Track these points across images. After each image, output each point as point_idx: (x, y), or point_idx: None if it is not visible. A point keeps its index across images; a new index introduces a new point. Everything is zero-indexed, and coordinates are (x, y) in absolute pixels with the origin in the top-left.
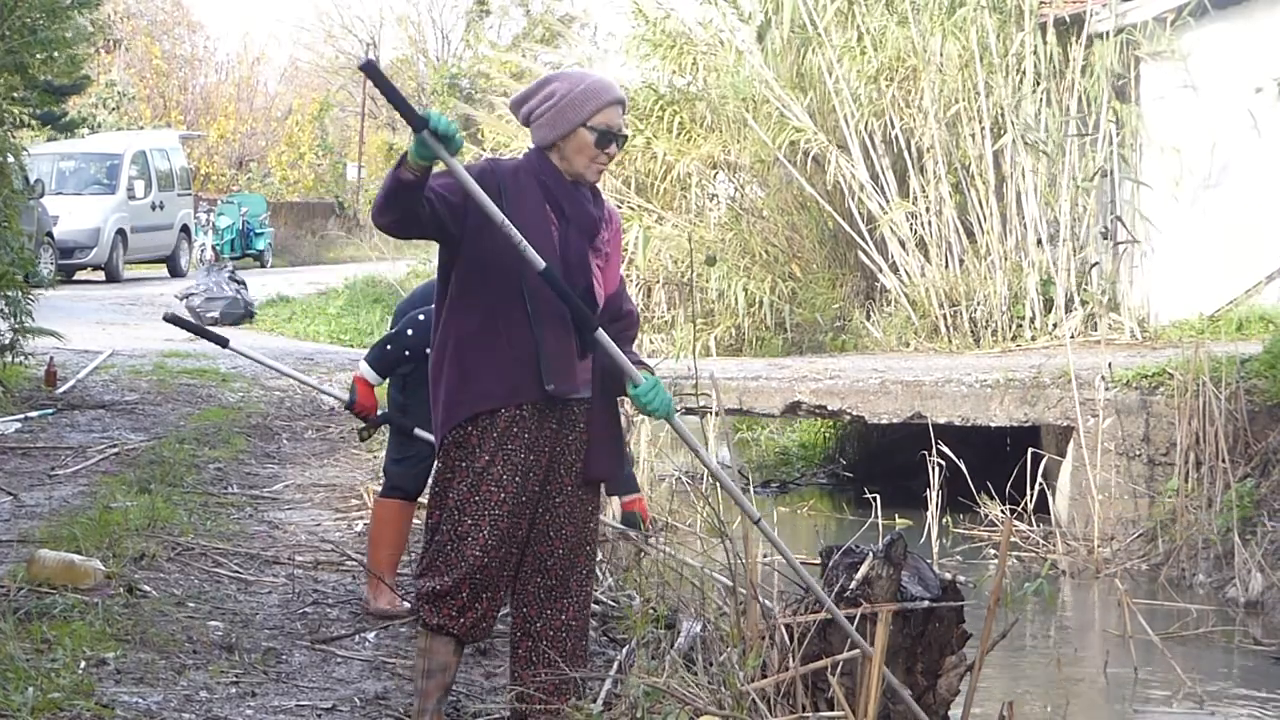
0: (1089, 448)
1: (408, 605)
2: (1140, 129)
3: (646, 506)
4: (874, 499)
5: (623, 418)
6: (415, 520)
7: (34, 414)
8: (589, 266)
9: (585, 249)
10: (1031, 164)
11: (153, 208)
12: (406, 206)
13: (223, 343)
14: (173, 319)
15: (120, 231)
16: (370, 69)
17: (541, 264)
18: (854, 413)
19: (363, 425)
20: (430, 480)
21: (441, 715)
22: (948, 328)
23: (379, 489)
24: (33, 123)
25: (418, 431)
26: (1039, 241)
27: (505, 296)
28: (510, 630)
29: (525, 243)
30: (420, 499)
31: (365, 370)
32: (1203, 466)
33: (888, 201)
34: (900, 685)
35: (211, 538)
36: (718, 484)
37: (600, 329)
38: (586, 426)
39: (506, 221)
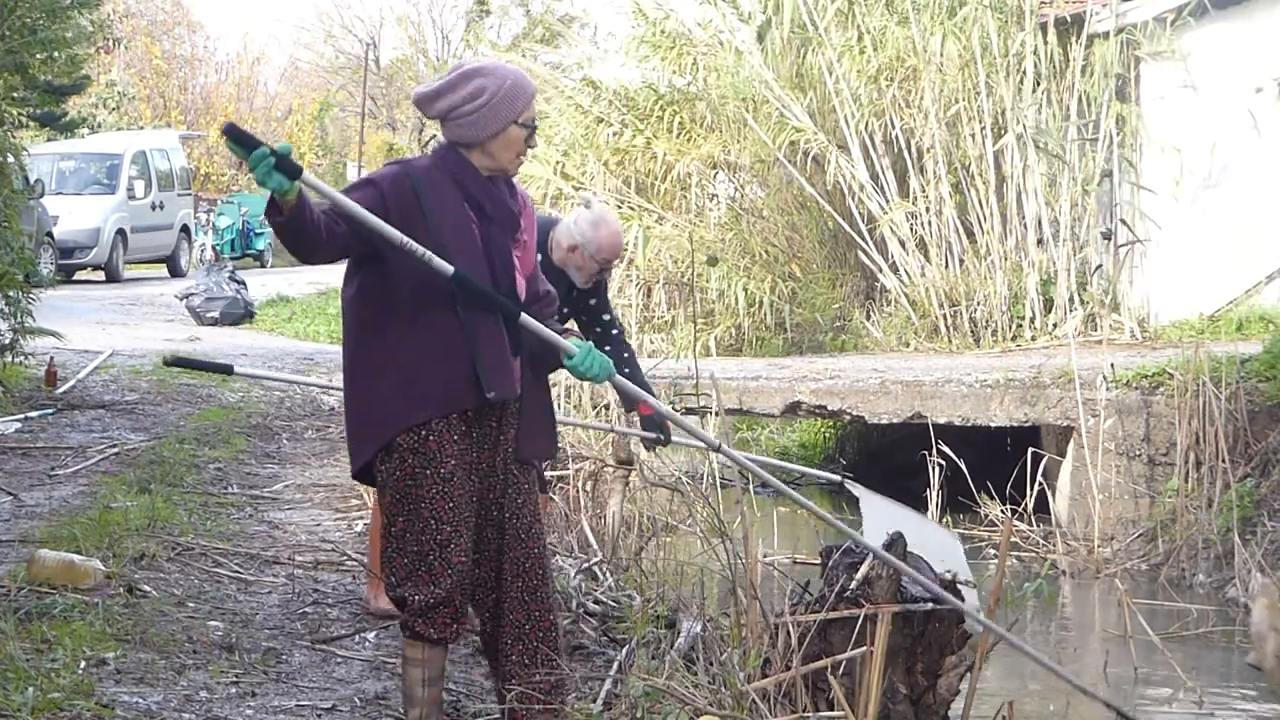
0: (1089, 448)
1: None
2: (1140, 129)
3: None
4: None
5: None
6: None
7: (34, 414)
8: (512, 264)
9: (508, 245)
10: (1035, 162)
11: (153, 208)
12: (312, 237)
13: (228, 370)
14: (174, 361)
15: (120, 231)
16: (231, 131)
17: (450, 269)
18: (854, 413)
19: None
20: (385, 484)
21: (443, 716)
22: (948, 328)
23: None
24: (32, 123)
25: None
26: (1039, 241)
27: (438, 308)
28: (501, 638)
29: (429, 253)
30: None
31: None
32: (1203, 466)
33: (888, 201)
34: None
35: (211, 538)
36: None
37: (524, 314)
38: (518, 411)
39: (407, 240)
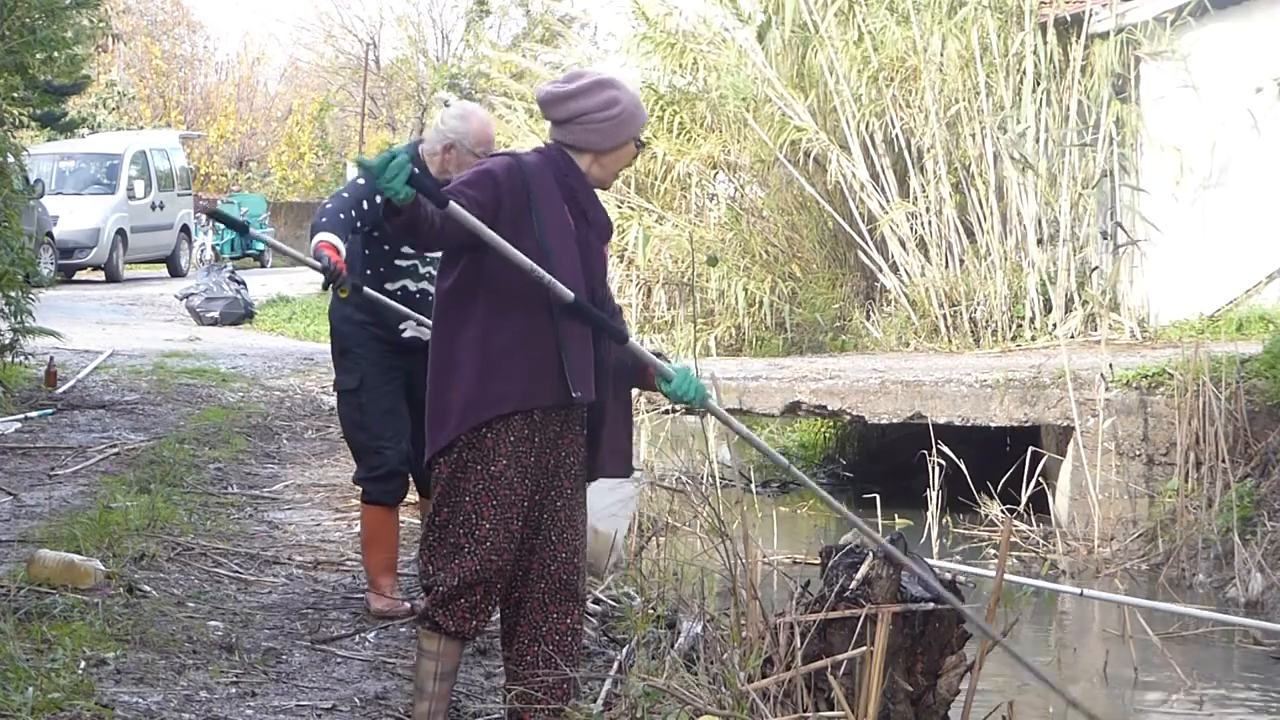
0: (1089, 448)
1: (408, 606)
2: (1140, 129)
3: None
4: (874, 499)
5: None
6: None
7: (34, 414)
8: (606, 270)
9: (604, 252)
10: (1016, 175)
11: (153, 208)
12: (428, 227)
13: (244, 228)
14: (213, 213)
15: (120, 231)
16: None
17: (570, 296)
18: (854, 413)
19: (339, 286)
20: (439, 477)
21: (447, 714)
22: (948, 328)
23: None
24: (33, 123)
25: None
26: (1039, 241)
27: (532, 303)
28: (516, 636)
29: (551, 279)
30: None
31: (325, 236)
32: (1203, 466)
33: (888, 201)
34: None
35: (211, 538)
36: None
37: (630, 338)
38: (599, 427)
39: (534, 266)
